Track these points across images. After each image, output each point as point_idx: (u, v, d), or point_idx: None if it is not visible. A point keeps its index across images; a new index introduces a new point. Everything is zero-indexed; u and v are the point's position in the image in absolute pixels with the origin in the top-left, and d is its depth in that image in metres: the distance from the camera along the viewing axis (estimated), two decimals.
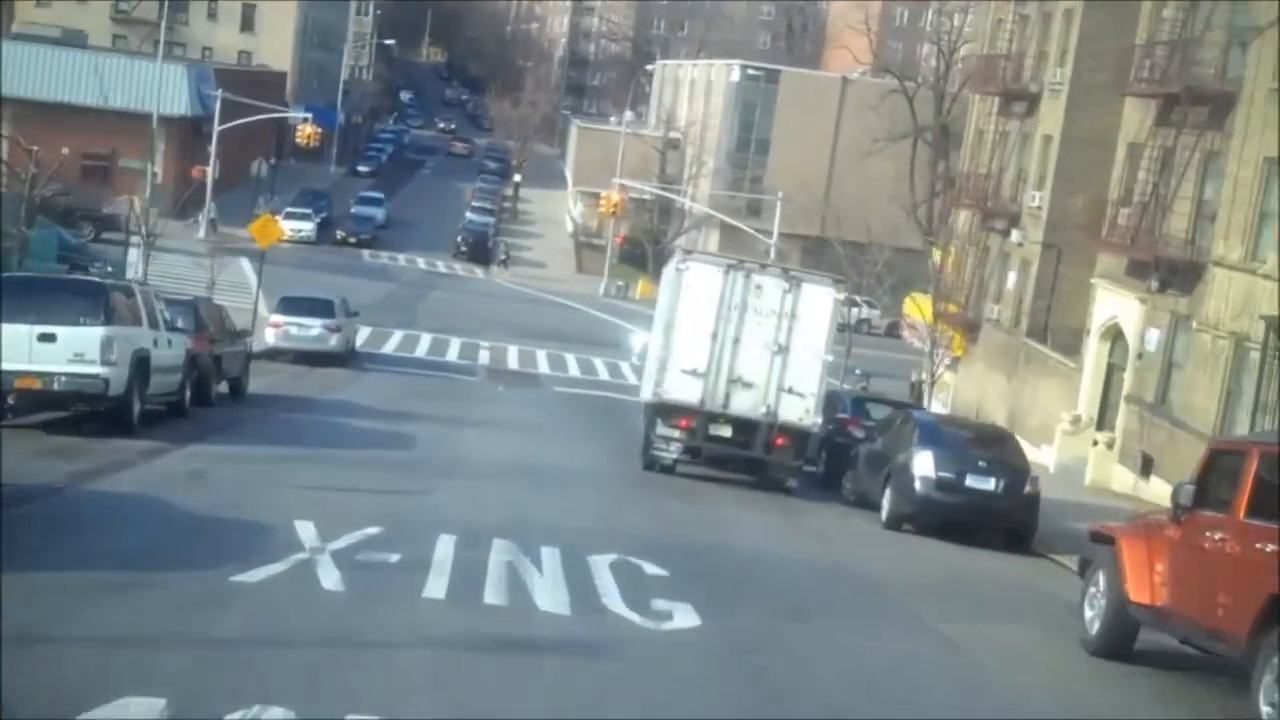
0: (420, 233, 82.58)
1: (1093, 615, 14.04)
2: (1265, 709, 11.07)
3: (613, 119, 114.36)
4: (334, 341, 39.84)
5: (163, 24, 71.34)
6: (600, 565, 14.96)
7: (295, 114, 70.46)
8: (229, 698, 8.84)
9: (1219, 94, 29.89)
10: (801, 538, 21.10)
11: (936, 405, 42.35)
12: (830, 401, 26.17)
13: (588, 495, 21.74)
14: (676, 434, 23.51)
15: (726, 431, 23.40)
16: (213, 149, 68.39)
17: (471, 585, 13.25)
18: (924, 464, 21.46)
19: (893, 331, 74.13)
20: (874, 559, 19.96)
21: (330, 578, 12.87)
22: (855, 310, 66.52)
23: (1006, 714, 12.04)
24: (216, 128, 68.02)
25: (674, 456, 23.91)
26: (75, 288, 21.92)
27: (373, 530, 15.11)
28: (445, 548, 14.68)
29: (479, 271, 76.64)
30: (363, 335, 46.64)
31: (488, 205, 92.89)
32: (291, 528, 14.64)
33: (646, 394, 24.47)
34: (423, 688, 9.98)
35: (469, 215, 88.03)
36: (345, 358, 40.51)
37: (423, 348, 47.60)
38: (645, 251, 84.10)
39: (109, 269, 40.44)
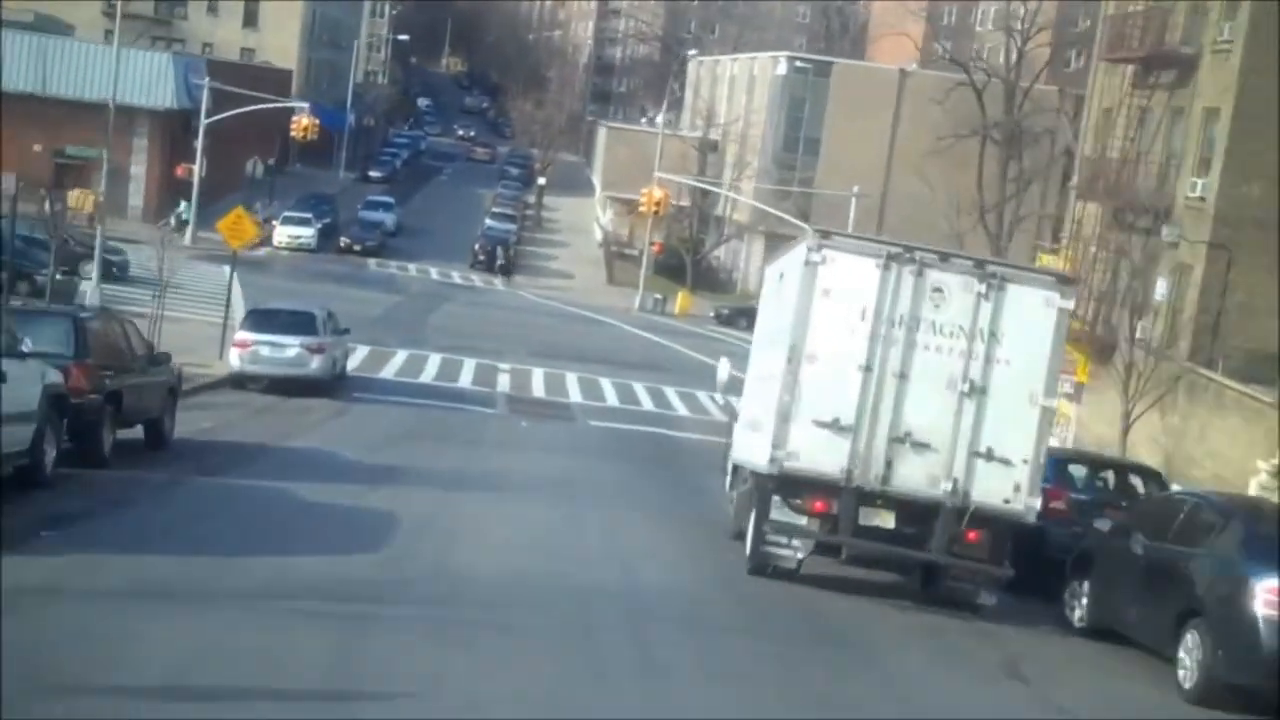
0: (434, 241, 74.57)
1: None
2: None
3: (643, 120, 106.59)
4: (315, 365, 31.78)
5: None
6: None
7: (291, 103, 62.44)
8: None
9: None
10: None
11: (1052, 442, 34.06)
12: None
13: (673, 656, 12.71)
14: (805, 522, 15.34)
15: (887, 520, 15.11)
16: (199, 144, 60.61)
17: None
18: (1271, 599, 12.77)
19: None
20: None
21: None
22: None
23: None
24: (203, 120, 60.21)
25: (801, 556, 15.71)
26: None
27: None
28: None
29: (498, 283, 68.55)
30: (357, 356, 38.61)
31: (509, 211, 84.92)
32: None
33: (754, 456, 16.47)
34: None
35: (488, 221, 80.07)
36: (330, 385, 32.46)
37: (430, 371, 39.49)
38: (682, 262, 76.03)
39: None
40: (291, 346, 31.64)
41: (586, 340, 52.84)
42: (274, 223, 66.82)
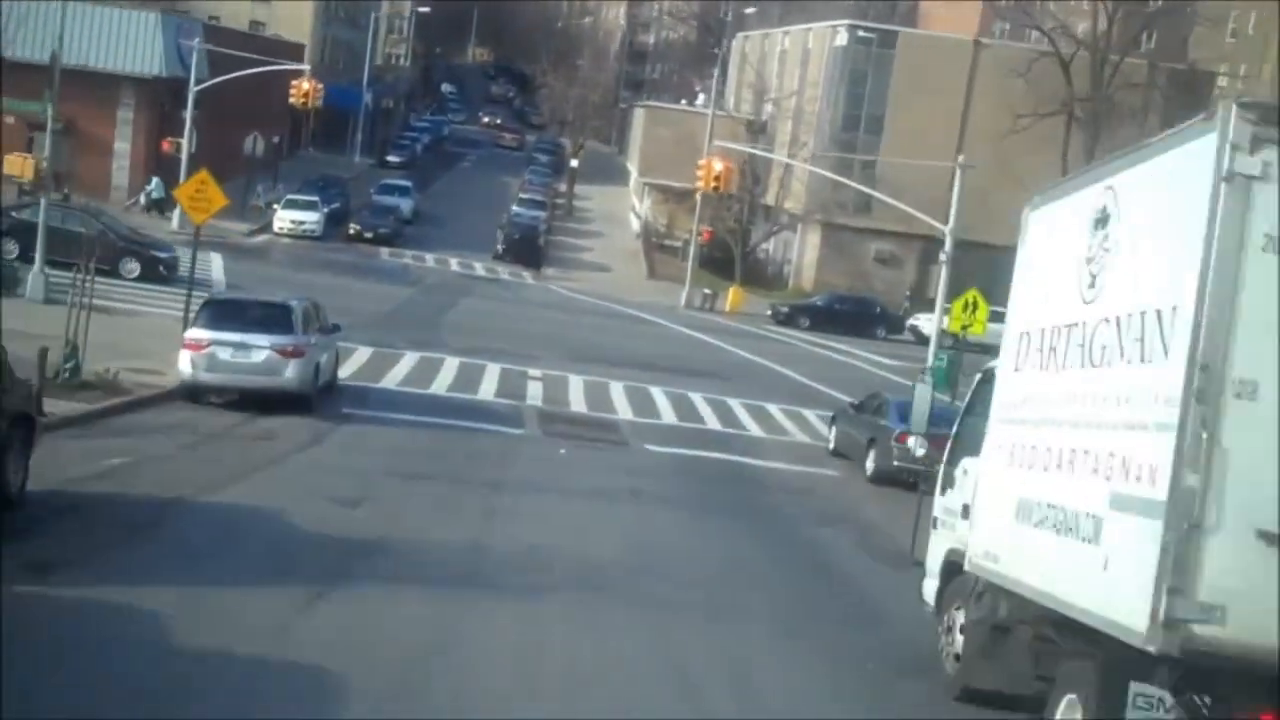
0: (455, 229, 67.02)
1: None
2: None
3: (683, 101, 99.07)
4: (291, 372, 24.35)
5: None
6: None
7: (292, 67, 55.00)
8: None
9: None
10: None
11: None
12: None
13: None
14: None
15: None
16: (188, 113, 53.24)
17: None
18: None
19: None
20: None
21: None
22: None
23: None
24: (193, 86, 52.88)
25: None
26: None
27: None
28: None
29: (527, 275, 60.99)
30: (355, 360, 31.28)
31: (538, 197, 77.35)
32: None
33: (1082, 597, 8.69)
34: None
35: (515, 209, 72.53)
36: (310, 398, 24.99)
37: (444, 379, 31.99)
38: (727, 255, 68.35)
39: None
40: (259, 348, 24.23)
41: (630, 341, 45.30)
42: (275, 207, 59.55)
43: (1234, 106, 7.84)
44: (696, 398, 34.84)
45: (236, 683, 9.53)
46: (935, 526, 13.68)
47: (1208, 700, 7.67)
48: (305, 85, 50.24)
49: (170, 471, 17.68)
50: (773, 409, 35.03)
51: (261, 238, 56.73)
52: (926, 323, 59.52)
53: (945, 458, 13.77)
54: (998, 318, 51.06)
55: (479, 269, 60.23)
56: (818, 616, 15.11)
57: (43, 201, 33.14)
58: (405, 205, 67.98)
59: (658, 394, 34.56)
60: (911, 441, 17.79)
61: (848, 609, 15.86)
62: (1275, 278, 7.58)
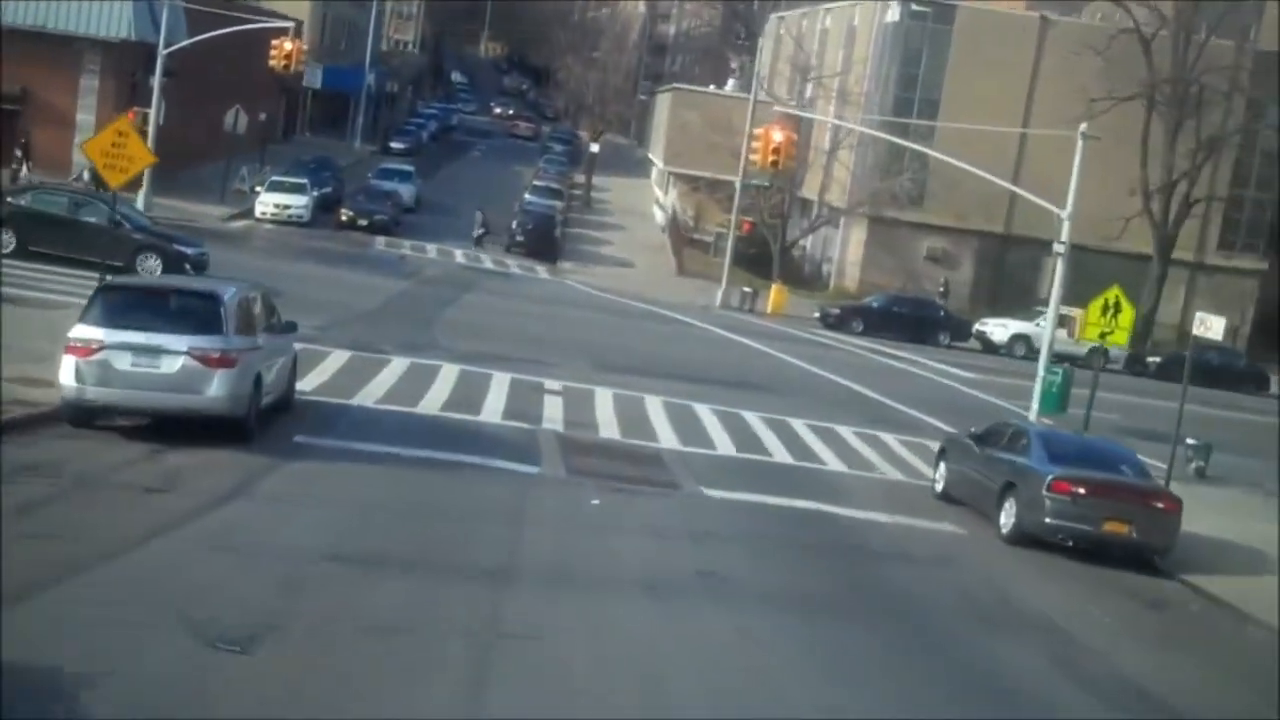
0: (462, 220, 59.91)
1: None
2: None
3: (712, 86, 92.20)
4: (216, 388, 17.43)
5: None
6: None
7: (275, 24, 48.02)
8: None
9: None
10: None
11: None
12: None
13: None
14: None
15: None
16: (156, 79, 46.38)
17: None
18: None
19: (1135, 367, 50.97)
20: None
21: None
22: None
23: None
24: (162, 48, 46.03)
25: None
26: None
27: None
28: None
29: (541, 269, 54.00)
30: (326, 367, 24.47)
31: (554, 185, 70.40)
32: None
33: None
34: None
35: (529, 196, 65.56)
36: (246, 423, 18.07)
37: (438, 393, 25.02)
38: (765, 252, 61.36)
39: None
40: (173, 354, 17.34)
41: (663, 346, 38.36)
42: (259, 190, 52.75)
43: None
44: (751, 417, 27.92)
45: None
46: None
47: None
48: (287, 45, 43.27)
49: None
50: (845, 433, 28.13)
51: (241, 224, 49.90)
52: (997, 329, 52.43)
53: None
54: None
55: (487, 261, 53.26)
56: None
57: None
58: (406, 191, 61.06)
59: (704, 413, 27.64)
60: None
61: None
62: None
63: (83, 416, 17.43)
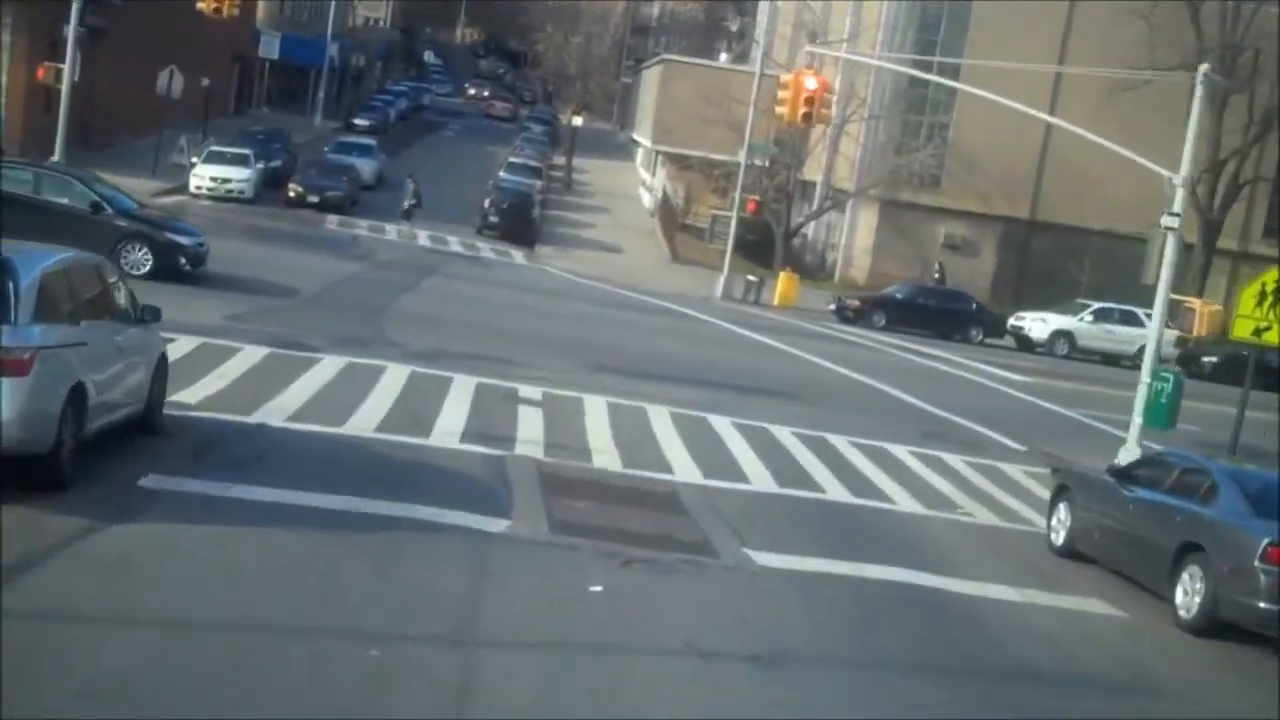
0: (430, 199, 53.40)
1: None
2: None
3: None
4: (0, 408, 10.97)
5: None
6: None
7: None
8: None
9: None
10: None
11: None
12: None
13: None
14: None
15: None
16: (71, 29, 39.79)
17: None
18: None
19: (1189, 367, 44.79)
20: None
21: None
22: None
23: None
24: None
25: None
26: None
27: None
28: None
29: (517, 254, 47.53)
30: (223, 372, 18.14)
31: (532, 163, 64.00)
32: None
33: None
34: None
35: (503, 174, 59.09)
36: (53, 459, 11.64)
37: (377, 405, 18.62)
38: (764, 238, 55.14)
39: None
40: None
41: (662, 342, 32.05)
42: (196, 161, 46.31)
43: None
44: (783, 434, 21.69)
45: None
46: None
47: None
48: None
49: None
50: (899, 453, 21.95)
51: (173, 199, 43.43)
52: (1035, 324, 46.14)
53: None
54: (1127, 318, 37.49)
55: (454, 244, 46.78)
56: None
57: None
58: (366, 167, 54.59)
59: (724, 428, 21.41)
60: None
61: None
62: None
63: None
